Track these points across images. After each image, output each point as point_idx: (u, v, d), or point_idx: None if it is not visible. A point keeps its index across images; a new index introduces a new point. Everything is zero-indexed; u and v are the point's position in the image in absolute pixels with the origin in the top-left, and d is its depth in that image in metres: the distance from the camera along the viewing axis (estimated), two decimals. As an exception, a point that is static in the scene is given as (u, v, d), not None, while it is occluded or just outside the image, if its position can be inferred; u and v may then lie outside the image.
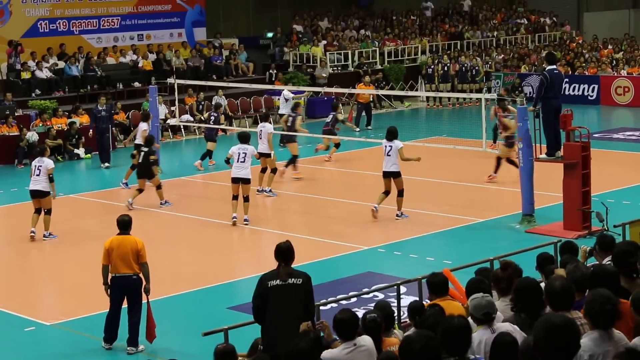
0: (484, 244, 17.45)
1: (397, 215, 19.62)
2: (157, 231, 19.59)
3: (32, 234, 18.88)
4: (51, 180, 18.88)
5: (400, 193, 19.46)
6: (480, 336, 7.45)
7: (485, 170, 22.66)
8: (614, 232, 14.72)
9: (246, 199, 19.51)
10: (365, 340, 8.19)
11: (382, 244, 17.98)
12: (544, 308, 7.55)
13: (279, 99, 34.72)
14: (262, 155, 21.79)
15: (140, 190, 21.25)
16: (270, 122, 23.10)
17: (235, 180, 19.56)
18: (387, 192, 19.54)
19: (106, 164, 26.91)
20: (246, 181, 19.56)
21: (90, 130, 27.57)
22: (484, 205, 20.66)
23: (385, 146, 19.46)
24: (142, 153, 21.23)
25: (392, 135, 19.54)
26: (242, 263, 17.98)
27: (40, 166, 18.72)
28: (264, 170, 22.48)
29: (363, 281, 15.46)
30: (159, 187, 21.34)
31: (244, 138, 20.06)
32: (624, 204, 19.69)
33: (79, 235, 19.42)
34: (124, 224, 13.10)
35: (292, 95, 30.24)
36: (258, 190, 22.12)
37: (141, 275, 12.86)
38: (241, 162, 19.61)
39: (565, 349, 5.16)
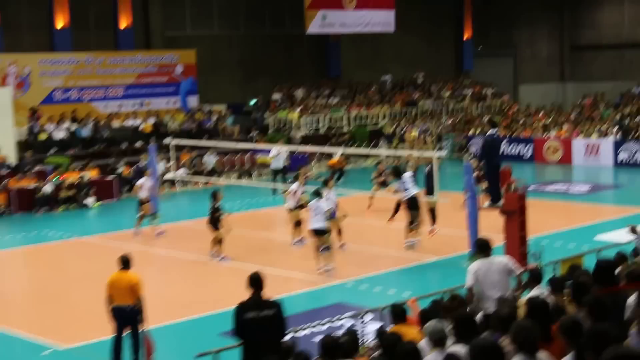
0: (440, 278, 17.55)
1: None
2: (152, 269, 19.47)
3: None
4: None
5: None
6: (434, 358, 7.33)
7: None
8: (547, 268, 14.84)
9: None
10: None
11: (350, 279, 18.01)
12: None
13: (261, 156, 34.91)
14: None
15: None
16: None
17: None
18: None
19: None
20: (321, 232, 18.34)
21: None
22: (436, 247, 20.76)
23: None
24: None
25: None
26: (229, 293, 17.88)
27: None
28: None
29: (334, 311, 15.47)
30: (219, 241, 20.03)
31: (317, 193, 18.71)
32: (554, 246, 19.88)
33: (86, 275, 19.35)
34: (124, 262, 13.17)
35: (277, 152, 29.94)
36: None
37: (137, 307, 12.84)
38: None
39: None
